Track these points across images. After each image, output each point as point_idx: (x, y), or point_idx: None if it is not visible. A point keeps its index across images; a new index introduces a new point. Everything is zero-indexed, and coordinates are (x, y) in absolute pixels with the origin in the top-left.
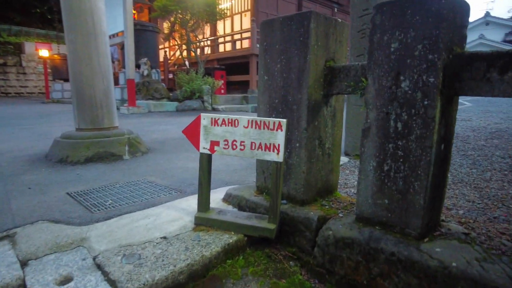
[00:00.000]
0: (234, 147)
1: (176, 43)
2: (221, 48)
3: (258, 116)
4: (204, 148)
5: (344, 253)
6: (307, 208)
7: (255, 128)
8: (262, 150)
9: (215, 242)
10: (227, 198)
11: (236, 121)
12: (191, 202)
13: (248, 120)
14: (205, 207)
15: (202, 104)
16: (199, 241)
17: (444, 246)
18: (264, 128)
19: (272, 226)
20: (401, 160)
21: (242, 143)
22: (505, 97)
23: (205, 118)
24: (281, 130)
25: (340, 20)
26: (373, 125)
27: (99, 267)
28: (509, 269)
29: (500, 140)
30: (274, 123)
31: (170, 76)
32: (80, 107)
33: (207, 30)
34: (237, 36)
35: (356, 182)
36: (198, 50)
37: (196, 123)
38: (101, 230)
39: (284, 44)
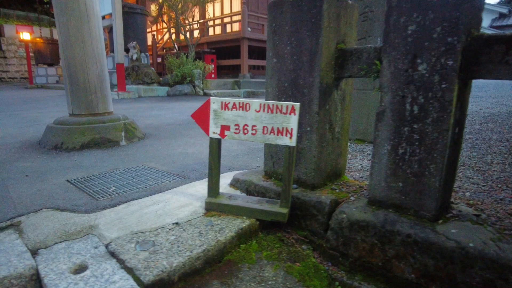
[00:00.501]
0: (246, 131)
1: (164, 26)
2: (211, 32)
3: (266, 99)
4: (214, 133)
5: (359, 236)
6: (318, 192)
7: (268, 112)
8: (274, 134)
9: (229, 227)
10: (235, 183)
11: (248, 105)
12: (199, 188)
13: (260, 104)
14: (215, 192)
15: (193, 89)
16: (212, 226)
17: (458, 227)
18: (276, 112)
19: (284, 210)
20: (417, 143)
21: (254, 128)
22: None
23: (215, 102)
24: (294, 114)
25: (350, 1)
26: (388, 109)
27: (113, 254)
28: None
29: (495, 124)
30: (287, 106)
31: (159, 60)
32: (74, 92)
33: (196, 13)
34: (227, 20)
35: (359, 166)
36: (188, 34)
37: (206, 107)
38: (109, 217)
39: (295, 26)
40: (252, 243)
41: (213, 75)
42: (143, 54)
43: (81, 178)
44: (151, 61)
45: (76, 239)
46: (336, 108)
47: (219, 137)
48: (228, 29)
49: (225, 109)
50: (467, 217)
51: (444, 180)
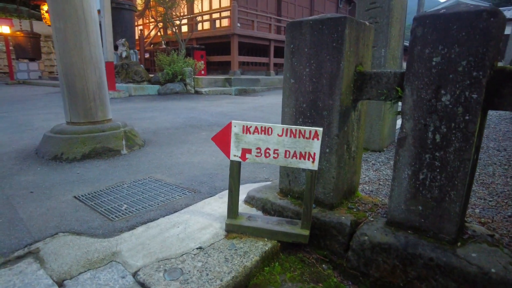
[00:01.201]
0: (267, 155)
1: (151, 20)
2: (200, 27)
3: (283, 119)
4: (235, 155)
5: (380, 257)
6: (337, 212)
7: (290, 136)
8: (296, 158)
9: (252, 251)
10: (250, 201)
11: (270, 129)
12: (214, 206)
13: (283, 129)
14: (235, 214)
15: (185, 87)
16: (236, 250)
17: (477, 250)
18: (299, 137)
19: (306, 232)
20: (438, 170)
21: (276, 151)
22: None
23: (236, 126)
24: (317, 139)
25: (368, 23)
26: (409, 135)
27: (143, 285)
28: None
29: (488, 130)
30: (310, 131)
31: (147, 55)
32: (72, 100)
33: (184, 8)
34: (216, 15)
35: (366, 178)
36: (176, 29)
37: (227, 130)
38: (131, 243)
39: (314, 48)
40: (275, 265)
41: (202, 72)
42: (131, 51)
43: (88, 194)
44: (139, 56)
45: (100, 267)
46: (353, 128)
47: (240, 160)
48: (217, 25)
49: (246, 133)
50: (482, 238)
51: (463, 204)
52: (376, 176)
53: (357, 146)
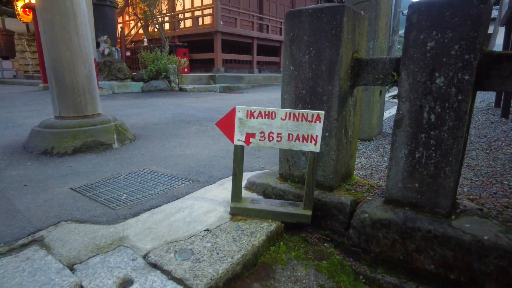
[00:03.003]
0: (271, 138)
1: (131, 18)
2: (183, 25)
3: (282, 105)
4: (239, 140)
5: (381, 233)
6: (337, 193)
7: (293, 120)
8: (299, 141)
9: (258, 231)
10: (250, 186)
11: (274, 113)
12: (216, 192)
13: (286, 112)
14: (238, 197)
15: (169, 85)
16: (242, 231)
17: (470, 221)
18: (302, 120)
19: (308, 212)
20: (433, 148)
21: (279, 135)
22: None
23: (240, 111)
24: (319, 122)
25: (363, 13)
26: (406, 116)
27: (155, 266)
28: None
29: None
30: (312, 115)
31: (128, 53)
32: (61, 94)
33: (166, 5)
34: (198, 13)
35: (359, 164)
36: (158, 26)
37: (231, 115)
38: (137, 228)
39: (314, 36)
40: (280, 244)
41: (186, 69)
42: (114, 49)
43: (85, 186)
44: (121, 54)
45: (108, 252)
46: (350, 113)
47: (244, 144)
48: (200, 22)
49: (250, 117)
50: (473, 212)
51: (456, 180)
52: (368, 163)
53: (353, 131)
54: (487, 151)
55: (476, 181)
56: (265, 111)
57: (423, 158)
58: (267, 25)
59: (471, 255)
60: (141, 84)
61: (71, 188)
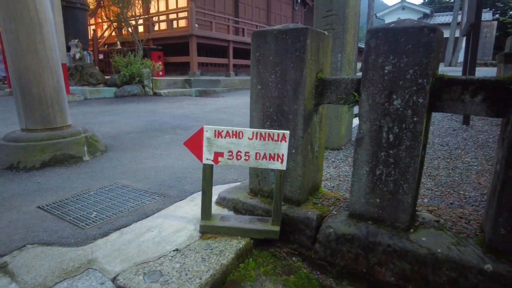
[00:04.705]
0: (239, 157)
1: (104, 20)
2: (156, 28)
3: (251, 123)
4: (207, 159)
5: (345, 247)
6: (304, 208)
7: (260, 139)
8: (266, 159)
9: (227, 249)
10: (221, 202)
11: (241, 133)
12: (186, 209)
13: (253, 132)
14: (208, 215)
15: (143, 89)
16: (212, 249)
17: (426, 235)
18: (268, 140)
19: (277, 228)
20: (392, 166)
21: (247, 154)
22: (476, 115)
23: (208, 131)
24: (285, 141)
25: (327, 33)
26: (366, 136)
27: None
28: (477, 250)
29: (433, 127)
30: (278, 134)
31: (101, 56)
32: (27, 106)
33: (140, 8)
34: (173, 16)
35: (327, 175)
36: (131, 29)
37: (199, 135)
38: (107, 249)
39: (279, 57)
40: (249, 261)
41: (160, 73)
42: (85, 52)
43: (53, 204)
44: (93, 58)
45: (76, 276)
46: (316, 130)
47: (212, 163)
48: (175, 25)
49: (218, 137)
50: (430, 224)
51: (414, 195)
52: (336, 173)
53: (319, 146)
54: (448, 159)
55: (436, 191)
56: (232, 131)
57: (383, 175)
58: (243, 28)
59: (426, 267)
60: (114, 89)
61: (39, 207)
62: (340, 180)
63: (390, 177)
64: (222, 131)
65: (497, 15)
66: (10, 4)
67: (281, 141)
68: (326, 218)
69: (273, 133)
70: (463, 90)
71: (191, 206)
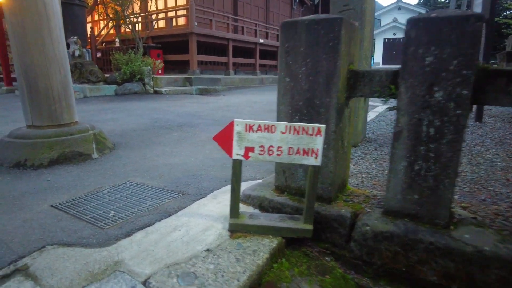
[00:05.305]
0: (271, 152)
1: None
2: (156, 25)
3: (278, 117)
4: (237, 154)
5: (382, 245)
6: (335, 205)
7: (293, 133)
8: (300, 154)
9: (261, 249)
10: (246, 199)
11: (273, 127)
12: (210, 207)
13: (286, 126)
14: (237, 213)
15: (144, 87)
16: (244, 249)
17: (468, 232)
18: (302, 134)
19: (309, 227)
20: (432, 161)
21: (279, 149)
22: None
23: (239, 124)
24: (320, 135)
25: (357, 24)
26: (404, 129)
27: None
28: None
29: None
30: (313, 128)
31: (98, 54)
32: (34, 102)
33: (139, 5)
34: (172, 14)
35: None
36: (131, 27)
37: (228, 129)
38: (133, 250)
39: (310, 48)
40: (282, 261)
41: (159, 71)
42: (85, 50)
43: (67, 202)
44: (92, 56)
45: (103, 279)
46: (346, 124)
47: (242, 158)
48: (174, 23)
49: (249, 131)
50: (468, 221)
51: (453, 191)
52: (357, 170)
53: (348, 141)
54: (469, 156)
55: (464, 187)
56: (264, 125)
57: (422, 170)
58: (242, 27)
59: (472, 265)
60: (114, 87)
61: (52, 205)
62: (362, 177)
63: (430, 172)
64: (254, 124)
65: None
66: None
67: (316, 135)
68: (360, 215)
69: (308, 127)
70: (508, 82)
71: (215, 204)
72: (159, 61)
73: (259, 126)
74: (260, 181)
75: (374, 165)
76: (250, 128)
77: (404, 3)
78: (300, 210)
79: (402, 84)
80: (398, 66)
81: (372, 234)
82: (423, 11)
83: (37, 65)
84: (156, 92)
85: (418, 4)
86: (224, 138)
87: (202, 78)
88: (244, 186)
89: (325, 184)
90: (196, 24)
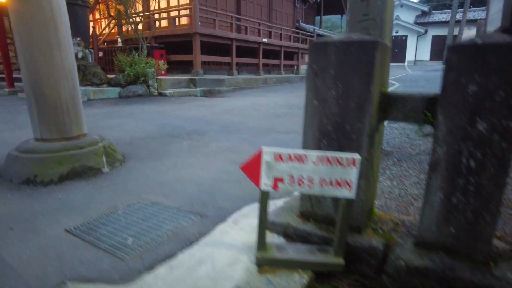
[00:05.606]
0: (301, 183)
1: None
2: (158, 25)
3: (304, 140)
4: (265, 184)
5: (417, 280)
6: (365, 235)
7: (326, 164)
8: (332, 186)
9: (291, 286)
10: (269, 226)
11: (304, 156)
12: (233, 235)
13: (318, 156)
14: (264, 245)
15: (148, 89)
16: (275, 286)
17: (510, 269)
18: (336, 164)
19: (341, 261)
20: (472, 194)
21: (310, 179)
22: None
23: (267, 154)
24: (355, 166)
25: (388, 44)
26: (442, 160)
27: None
28: None
29: None
30: (347, 159)
31: (100, 54)
32: (41, 114)
33: (141, 4)
34: (174, 13)
35: None
36: (133, 26)
37: (257, 159)
38: None
39: (341, 70)
40: None
41: (162, 71)
42: (87, 51)
43: (81, 226)
44: (95, 56)
45: None
46: (375, 149)
47: (271, 189)
48: (176, 23)
49: (279, 161)
50: (507, 255)
51: (494, 226)
52: (379, 189)
53: (377, 166)
54: None
55: None
56: (295, 155)
57: (461, 203)
58: (246, 26)
59: None
60: (118, 89)
61: (66, 230)
62: (385, 197)
63: (469, 206)
64: (283, 154)
65: None
66: (24, 4)
67: (350, 166)
68: (392, 247)
69: (342, 158)
70: None
71: (237, 231)
72: (162, 61)
73: (289, 155)
74: (281, 203)
75: (395, 183)
76: (279, 157)
77: (407, 0)
78: (328, 240)
79: (441, 113)
80: (434, 92)
81: (406, 269)
82: (425, 8)
83: (45, 76)
84: (160, 94)
85: (420, 1)
86: (252, 168)
87: (206, 79)
88: (256, 206)
89: (355, 213)
90: (199, 23)
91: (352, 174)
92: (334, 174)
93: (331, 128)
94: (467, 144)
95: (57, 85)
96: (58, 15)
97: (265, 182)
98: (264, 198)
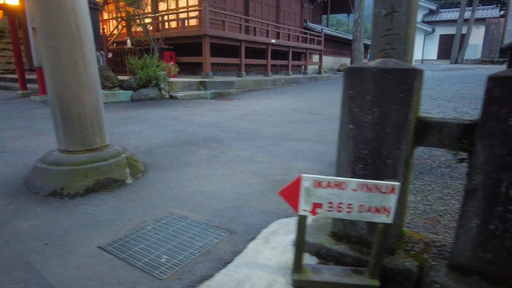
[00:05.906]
0: (340, 209)
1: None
2: (167, 26)
3: (338, 164)
4: (304, 210)
5: None
6: (398, 257)
7: (366, 191)
8: (371, 212)
9: None
10: None
11: (344, 183)
12: (266, 254)
13: (358, 183)
14: (300, 268)
15: (159, 92)
16: None
17: None
18: (375, 191)
19: (376, 283)
20: (511, 222)
21: (349, 206)
22: None
23: (307, 180)
24: (394, 194)
25: (423, 70)
26: (480, 188)
27: None
28: None
29: None
30: (387, 187)
31: (110, 55)
32: (66, 126)
33: (149, 6)
34: (183, 15)
35: None
36: (143, 28)
37: (296, 184)
38: None
39: (378, 97)
40: None
41: (172, 73)
42: (99, 53)
43: (113, 243)
44: (105, 59)
45: None
46: (409, 173)
47: (309, 214)
48: (186, 24)
49: (318, 187)
50: None
51: None
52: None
53: (408, 186)
54: None
55: None
56: (334, 182)
57: (498, 230)
58: (254, 27)
59: None
60: (130, 92)
61: (99, 247)
62: (411, 213)
63: (508, 234)
64: (323, 181)
65: (502, 12)
66: (51, 20)
67: (389, 193)
68: (425, 269)
69: (381, 185)
70: None
71: (270, 250)
72: (172, 63)
73: (329, 182)
74: (310, 221)
75: (419, 198)
76: (318, 184)
77: None
78: (362, 261)
79: (480, 142)
80: (470, 119)
81: None
82: (433, 7)
83: (70, 90)
84: (171, 97)
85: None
86: (291, 193)
87: (216, 82)
88: (284, 223)
89: (389, 236)
90: (208, 25)
91: (391, 201)
92: (373, 200)
93: (367, 153)
94: (506, 174)
95: (81, 99)
96: (83, 29)
97: (304, 208)
98: (302, 223)
